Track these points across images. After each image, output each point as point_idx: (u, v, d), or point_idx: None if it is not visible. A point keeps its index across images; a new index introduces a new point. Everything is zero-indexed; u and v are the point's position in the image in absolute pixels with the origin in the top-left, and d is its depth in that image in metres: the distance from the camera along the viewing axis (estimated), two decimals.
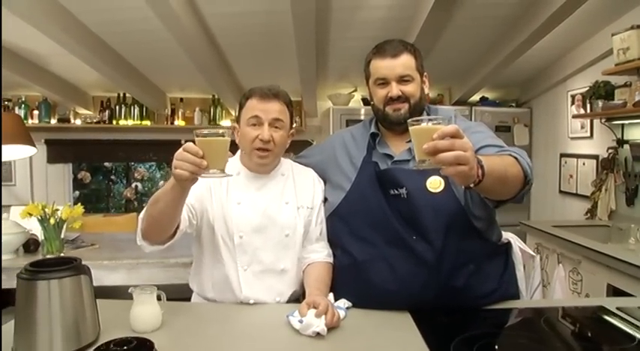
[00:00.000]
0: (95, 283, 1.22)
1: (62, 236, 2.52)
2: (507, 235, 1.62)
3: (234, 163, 1.56)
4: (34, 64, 3.73)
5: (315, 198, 1.59)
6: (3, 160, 3.84)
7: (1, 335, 1.13)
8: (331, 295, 1.43)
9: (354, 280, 1.45)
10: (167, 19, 2.75)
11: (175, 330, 1.28)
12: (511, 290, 1.53)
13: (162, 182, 5.67)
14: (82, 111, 4.53)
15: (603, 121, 3.24)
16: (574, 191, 3.69)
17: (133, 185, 5.69)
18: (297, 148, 1.90)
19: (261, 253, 1.50)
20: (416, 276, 1.36)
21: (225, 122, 4.55)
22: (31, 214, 2.41)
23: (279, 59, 3.66)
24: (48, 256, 2.36)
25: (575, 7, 2.71)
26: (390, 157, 1.52)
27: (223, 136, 1.17)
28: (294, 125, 1.61)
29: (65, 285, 1.12)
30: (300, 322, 1.24)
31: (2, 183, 4.31)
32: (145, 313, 1.26)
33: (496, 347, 1.25)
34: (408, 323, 1.31)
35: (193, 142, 1.16)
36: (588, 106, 3.23)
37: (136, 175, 5.78)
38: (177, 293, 1.58)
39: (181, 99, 4.57)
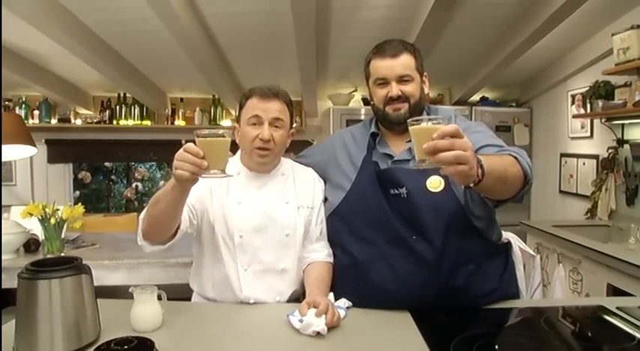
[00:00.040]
0: (96, 283, 1.23)
1: (63, 236, 2.52)
2: (507, 235, 1.62)
3: (234, 162, 1.57)
4: (34, 64, 3.73)
5: (315, 198, 1.60)
6: (3, 160, 3.85)
7: (1, 335, 1.13)
8: (331, 295, 1.44)
9: (355, 279, 1.45)
10: (167, 19, 2.75)
11: (176, 329, 1.28)
12: (511, 290, 1.53)
13: (162, 182, 5.67)
14: (82, 111, 4.53)
15: (603, 120, 3.24)
16: (574, 191, 3.70)
17: (134, 185, 5.69)
18: (297, 148, 1.91)
19: (261, 252, 1.50)
20: (416, 275, 1.37)
21: (226, 122, 4.55)
22: (31, 214, 2.41)
23: (279, 59, 3.66)
24: (48, 256, 2.36)
25: (575, 7, 2.71)
26: (390, 156, 1.52)
27: (224, 136, 1.17)
28: (294, 125, 1.62)
29: (66, 284, 1.12)
30: (301, 321, 1.25)
31: (3, 183, 4.32)
32: (146, 313, 1.26)
33: (496, 347, 1.25)
34: (408, 323, 1.32)
35: (194, 142, 1.17)
36: (588, 105, 3.23)
37: (136, 175, 5.79)
38: (177, 293, 1.59)
39: (182, 99, 4.58)
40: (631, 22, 2.69)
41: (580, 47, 3.51)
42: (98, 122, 4.44)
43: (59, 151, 4.56)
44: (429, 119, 1.03)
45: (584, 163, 3.57)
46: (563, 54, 3.68)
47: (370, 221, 1.44)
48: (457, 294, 1.39)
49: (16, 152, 3.16)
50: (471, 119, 4.03)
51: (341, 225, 1.53)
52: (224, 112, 4.59)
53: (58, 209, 2.47)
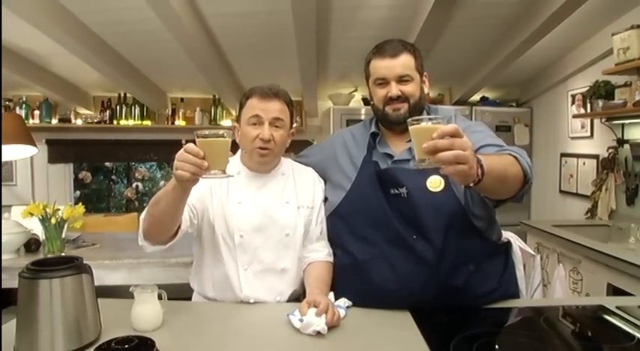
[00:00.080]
0: (96, 283, 1.23)
1: (63, 236, 2.52)
2: (507, 235, 1.63)
3: (234, 162, 1.57)
4: (34, 64, 3.74)
5: (315, 197, 1.60)
6: (4, 160, 3.85)
7: (0, 334, 1.14)
8: (331, 294, 1.44)
9: (355, 279, 1.45)
10: (168, 20, 2.75)
11: (176, 329, 1.28)
12: (511, 289, 1.53)
13: (162, 182, 5.67)
14: (82, 111, 4.53)
15: (603, 120, 3.24)
16: (574, 191, 3.70)
17: (134, 185, 5.69)
18: (297, 148, 1.91)
19: (261, 252, 1.50)
20: (416, 275, 1.37)
21: (226, 122, 4.55)
22: (32, 214, 2.42)
23: (279, 59, 3.66)
24: (49, 256, 2.37)
25: (576, 6, 2.71)
26: (390, 156, 1.52)
27: (224, 136, 1.17)
28: (294, 125, 1.62)
29: (67, 284, 1.12)
30: (301, 321, 1.25)
31: (4, 183, 4.32)
32: (146, 312, 1.26)
33: (496, 346, 1.25)
34: (408, 322, 1.32)
35: (194, 142, 1.17)
36: (588, 105, 3.23)
37: (136, 175, 5.79)
38: (177, 293, 1.59)
39: (182, 99, 4.58)
40: (631, 22, 2.69)
41: (580, 47, 3.51)
42: (98, 122, 4.45)
43: (60, 151, 4.56)
44: (429, 119, 1.03)
45: (584, 163, 3.57)
46: (563, 54, 3.68)
47: (370, 221, 1.45)
48: (457, 293, 1.39)
49: (16, 152, 3.17)
50: (471, 119, 4.03)
51: (341, 225, 1.53)
52: (224, 112, 4.59)
53: (58, 209, 2.48)
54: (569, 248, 2.68)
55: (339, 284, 1.50)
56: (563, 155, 3.88)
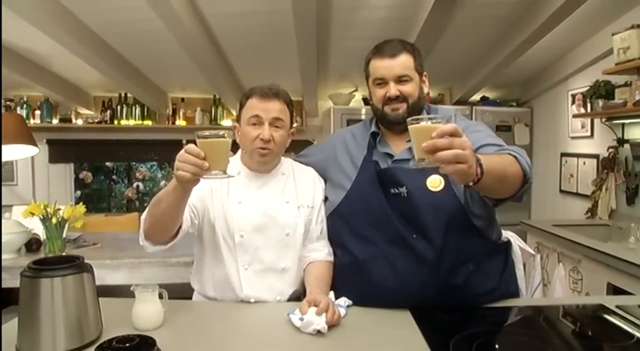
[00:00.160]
0: (97, 283, 1.23)
1: (64, 236, 2.52)
2: (507, 234, 1.63)
3: (234, 162, 1.57)
4: (35, 64, 3.74)
5: (315, 197, 1.60)
6: (5, 159, 3.86)
7: (0, 334, 1.14)
8: (332, 294, 1.44)
9: (355, 278, 1.46)
10: (168, 20, 2.76)
11: (177, 328, 1.29)
12: (511, 289, 1.54)
13: (163, 182, 5.68)
14: (83, 111, 4.54)
15: (604, 120, 3.24)
16: (574, 190, 3.70)
17: (135, 185, 5.70)
18: (297, 148, 1.91)
19: (261, 252, 1.51)
20: (416, 274, 1.37)
21: (227, 122, 4.56)
22: (33, 214, 2.42)
23: (280, 59, 3.67)
24: (50, 255, 2.37)
25: (576, 6, 2.71)
26: (390, 156, 1.53)
27: (224, 137, 1.18)
28: (294, 124, 1.62)
29: (68, 283, 1.13)
30: (301, 319, 1.25)
31: (5, 183, 4.33)
32: (147, 311, 1.27)
33: (496, 345, 1.25)
34: (408, 321, 1.32)
35: (194, 142, 1.17)
36: (589, 105, 3.23)
37: (137, 174, 5.79)
38: (178, 292, 1.59)
39: (182, 99, 4.58)
40: (631, 22, 2.69)
41: (580, 47, 3.51)
42: (99, 122, 4.45)
43: (60, 151, 4.57)
44: (429, 118, 1.04)
45: (584, 163, 3.57)
46: (563, 54, 3.69)
47: (370, 220, 1.45)
48: (457, 293, 1.39)
49: (17, 152, 3.17)
50: (472, 119, 4.03)
51: (341, 224, 1.53)
52: (225, 112, 4.60)
53: (59, 209, 2.48)
54: (570, 248, 2.68)
55: (340, 283, 1.50)
56: (563, 155, 3.88)
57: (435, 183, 1.40)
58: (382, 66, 1.48)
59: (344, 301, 1.42)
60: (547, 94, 4.16)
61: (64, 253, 2.46)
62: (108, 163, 5.79)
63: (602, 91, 3.08)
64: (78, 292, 1.15)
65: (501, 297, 1.48)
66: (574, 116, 3.63)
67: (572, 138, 3.76)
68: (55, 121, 4.41)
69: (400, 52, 1.47)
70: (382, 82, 1.49)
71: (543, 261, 2.95)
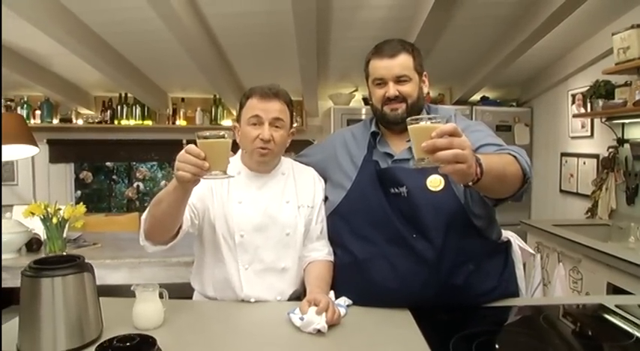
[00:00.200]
0: (97, 282, 1.23)
1: (64, 235, 2.53)
2: (507, 234, 1.63)
3: (234, 162, 1.57)
4: (36, 64, 3.75)
5: (315, 197, 1.60)
6: (6, 159, 3.86)
7: (0, 333, 1.14)
8: (332, 293, 1.44)
9: (355, 278, 1.46)
10: (168, 20, 2.76)
11: (177, 327, 1.29)
12: (511, 288, 1.54)
13: (163, 182, 5.68)
14: (83, 111, 4.54)
15: (604, 120, 3.24)
16: (574, 190, 3.70)
17: (135, 185, 5.70)
18: (298, 148, 1.91)
19: (262, 251, 1.51)
20: (416, 274, 1.37)
21: (227, 122, 4.56)
22: (33, 214, 2.42)
23: (280, 59, 3.67)
24: (51, 255, 2.38)
25: (576, 6, 2.72)
26: (390, 155, 1.53)
27: (224, 137, 1.18)
28: (294, 124, 1.62)
29: (69, 282, 1.13)
30: (301, 319, 1.25)
31: (5, 183, 4.34)
32: (148, 311, 1.27)
33: (495, 345, 1.26)
34: (408, 321, 1.32)
35: (194, 142, 1.18)
36: (589, 105, 3.24)
37: (137, 174, 5.79)
38: (178, 292, 1.60)
39: (183, 99, 4.59)
40: (631, 22, 2.69)
41: (580, 47, 3.51)
42: (99, 122, 4.45)
43: (61, 151, 4.57)
44: (428, 118, 1.04)
45: (584, 163, 3.58)
46: (563, 53, 3.69)
47: (371, 220, 1.45)
48: (457, 292, 1.40)
49: (17, 152, 3.18)
50: (472, 119, 4.03)
51: (341, 224, 1.54)
52: (225, 112, 4.60)
53: (59, 209, 2.48)
54: (570, 247, 2.69)
55: (340, 283, 1.50)
56: (563, 155, 3.88)
57: (435, 183, 1.40)
58: (381, 66, 1.48)
59: (344, 300, 1.42)
60: (547, 94, 4.16)
61: (64, 253, 2.46)
62: (108, 163, 5.78)
63: (602, 90, 3.08)
64: (78, 291, 1.15)
65: (501, 297, 1.48)
66: (574, 116, 3.63)
67: (572, 138, 3.76)
68: (55, 121, 4.41)
69: (399, 52, 1.47)
70: (381, 82, 1.50)
71: (543, 261, 2.95)
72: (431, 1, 2.69)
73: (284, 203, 1.55)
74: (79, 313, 1.14)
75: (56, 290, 1.11)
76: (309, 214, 1.58)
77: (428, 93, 1.61)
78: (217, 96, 4.52)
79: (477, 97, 4.55)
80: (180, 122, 4.54)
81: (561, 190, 3.90)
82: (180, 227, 1.39)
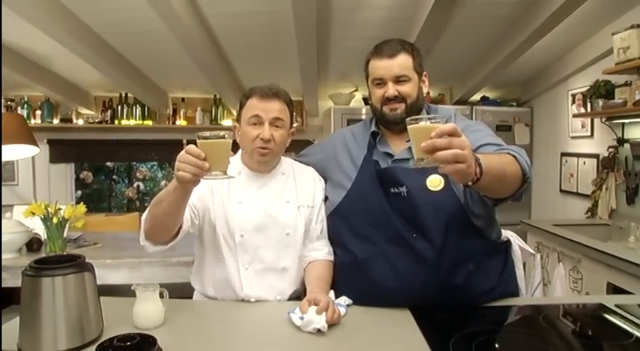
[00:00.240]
0: (98, 282, 1.24)
1: (65, 235, 2.53)
2: (507, 234, 1.63)
3: (235, 162, 1.57)
4: (36, 64, 3.75)
5: (315, 197, 1.61)
6: (6, 159, 3.87)
7: (0, 333, 1.14)
8: (332, 293, 1.45)
9: (355, 277, 1.46)
10: (169, 20, 2.76)
11: (178, 327, 1.29)
12: (510, 288, 1.54)
13: (164, 182, 5.68)
14: (84, 111, 4.54)
15: (604, 120, 3.24)
16: (575, 190, 3.70)
17: (135, 185, 5.70)
18: (298, 148, 1.91)
19: (262, 251, 1.51)
20: (416, 274, 1.37)
21: (227, 122, 4.56)
22: (34, 214, 2.43)
23: (280, 59, 3.67)
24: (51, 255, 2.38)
25: (575, 6, 2.72)
26: (390, 155, 1.53)
27: (224, 138, 1.18)
28: (294, 124, 1.62)
29: (69, 282, 1.14)
30: (301, 318, 1.26)
31: (5, 182, 4.34)
32: (148, 310, 1.27)
33: (495, 344, 1.26)
34: (408, 320, 1.32)
35: (195, 142, 1.18)
36: (589, 105, 3.24)
37: (137, 174, 5.80)
38: (178, 292, 1.60)
39: (183, 99, 4.59)
40: (631, 22, 2.69)
41: (580, 47, 3.51)
42: (100, 122, 4.46)
43: (61, 150, 4.57)
44: (428, 118, 1.04)
45: (584, 163, 3.58)
46: (563, 53, 3.69)
47: (371, 220, 1.45)
48: (457, 292, 1.40)
49: (18, 152, 3.18)
50: (472, 119, 4.03)
51: (342, 224, 1.54)
52: (225, 111, 4.60)
53: (60, 209, 2.49)
54: (570, 247, 2.69)
55: (340, 283, 1.51)
56: (563, 155, 3.88)
57: (434, 182, 1.40)
58: (381, 66, 1.49)
59: (344, 300, 1.42)
60: (547, 93, 4.16)
61: (64, 253, 2.46)
62: (108, 163, 5.79)
63: (602, 90, 3.08)
64: (79, 291, 1.15)
65: (501, 296, 1.48)
66: (574, 116, 3.63)
67: (573, 138, 3.76)
68: (55, 121, 4.42)
69: (399, 52, 1.48)
70: (381, 82, 1.50)
71: (543, 260, 2.95)
72: (431, 1, 2.70)
73: (284, 203, 1.56)
74: (80, 312, 1.15)
75: (57, 290, 1.11)
76: (309, 214, 1.58)
77: (428, 93, 1.61)
78: (217, 96, 4.53)
79: (477, 97, 4.55)
80: (181, 122, 4.54)
81: (561, 190, 3.90)
82: (180, 227, 1.39)
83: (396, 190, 1.44)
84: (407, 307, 1.39)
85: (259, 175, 1.58)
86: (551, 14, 2.78)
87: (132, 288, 1.29)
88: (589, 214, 3.38)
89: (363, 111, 4.15)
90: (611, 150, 3.20)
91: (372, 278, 1.42)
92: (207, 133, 1.17)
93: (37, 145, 3.18)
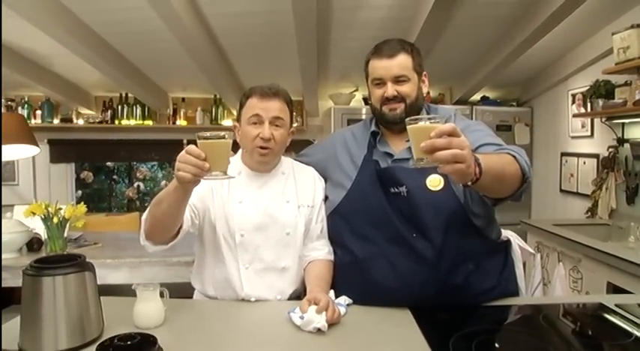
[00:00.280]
0: (98, 282, 1.24)
1: (65, 235, 2.54)
2: (507, 233, 1.63)
3: (235, 162, 1.58)
4: (36, 64, 3.75)
5: (315, 196, 1.61)
6: (6, 159, 3.87)
7: (0, 333, 1.15)
8: (332, 292, 1.45)
9: (355, 277, 1.46)
10: (169, 20, 2.76)
11: (178, 326, 1.29)
12: (510, 287, 1.54)
13: (164, 182, 5.69)
14: (84, 111, 4.55)
15: (604, 120, 3.25)
16: (575, 190, 3.70)
17: (135, 185, 5.71)
18: (298, 148, 1.92)
19: (262, 251, 1.51)
20: (416, 273, 1.38)
21: (227, 122, 4.56)
22: (34, 213, 2.43)
23: (280, 59, 3.67)
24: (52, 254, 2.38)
25: (575, 6, 2.72)
26: (390, 155, 1.53)
27: (225, 138, 1.18)
28: (294, 124, 1.63)
29: (70, 281, 1.14)
30: (301, 318, 1.26)
31: (6, 182, 4.34)
32: (149, 310, 1.28)
33: (495, 343, 1.26)
34: (407, 320, 1.33)
35: (195, 142, 1.18)
36: (589, 105, 3.24)
37: (138, 174, 5.80)
38: (178, 292, 1.60)
39: (183, 99, 4.59)
40: (631, 22, 2.69)
41: (580, 46, 3.51)
42: (100, 122, 4.46)
43: (61, 150, 4.58)
44: (428, 118, 1.04)
45: (584, 162, 3.58)
46: (563, 53, 3.69)
47: (371, 220, 1.46)
48: (457, 292, 1.40)
49: (18, 152, 3.18)
50: (472, 119, 4.03)
51: (342, 223, 1.54)
52: (225, 111, 4.60)
53: (60, 208, 2.49)
54: (570, 247, 2.69)
55: (340, 282, 1.51)
56: (563, 154, 3.88)
57: (434, 182, 1.40)
58: (380, 66, 1.49)
59: (344, 299, 1.42)
60: (547, 93, 4.16)
61: (65, 253, 2.46)
62: (109, 163, 5.80)
63: (602, 90, 3.09)
64: (80, 290, 1.15)
65: (501, 296, 1.49)
66: (574, 116, 3.63)
67: (573, 137, 3.76)
68: (56, 121, 4.42)
69: (398, 52, 1.48)
70: (380, 82, 1.50)
71: (543, 260, 2.95)
72: (431, 1, 2.70)
73: (284, 203, 1.56)
74: (80, 311, 1.15)
75: (57, 289, 1.12)
76: (309, 214, 1.58)
77: (428, 93, 1.61)
78: (218, 96, 4.53)
79: (477, 96, 4.55)
80: (181, 122, 4.54)
81: (561, 190, 3.90)
82: (180, 227, 1.39)
83: (396, 189, 1.44)
84: (407, 306, 1.39)
85: (259, 175, 1.58)
86: (551, 14, 2.78)
87: (132, 287, 1.30)
88: (589, 214, 3.38)
89: (363, 111, 4.15)
90: (611, 150, 3.20)
91: (372, 278, 1.42)
92: (208, 133, 1.18)
93: (37, 145, 3.19)
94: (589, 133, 3.52)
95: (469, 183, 1.07)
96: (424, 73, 1.55)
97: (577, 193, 3.67)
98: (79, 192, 5.28)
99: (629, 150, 3.07)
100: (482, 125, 1.54)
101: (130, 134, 4.61)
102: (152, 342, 1.08)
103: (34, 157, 4.25)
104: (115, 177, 6.09)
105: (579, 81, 3.63)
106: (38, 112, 4.35)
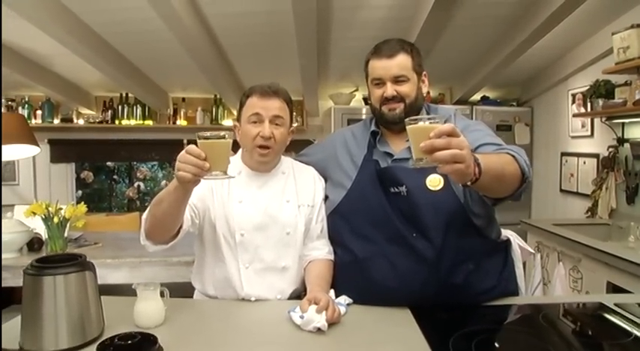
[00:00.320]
0: (98, 282, 1.24)
1: (65, 235, 2.54)
2: (506, 233, 1.63)
3: (235, 161, 1.58)
4: (37, 64, 3.75)
5: (315, 196, 1.61)
6: (7, 159, 3.87)
7: (0, 333, 1.15)
8: (332, 292, 1.45)
9: (355, 277, 1.46)
10: (169, 20, 2.77)
11: (178, 326, 1.29)
12: (510, 287, 1.54)
13: (164, 182, 5.69)
14: (84, 111, 4.55)
15: (604, 119, 3.25)
16: (575, 190, 3.70)
17: (136, 185, 5.71)
18: (298, 148, 1.92)
19: (262, 251, 1.51)
20: (416, 273, 1.38)
21: (227, 122, 4.57)
22: (34, 213, 2.43)
23: (280, 59, 3.67)
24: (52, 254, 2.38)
25: (575, 6, 2.72)
26: (390, 155, 1.54)
27: (225, 138, 1.19)
28: (294, 123, 1.63)
29: (70, 281, 1.14)
30: (302, 317, 1.26)
31: (6, 182, 4.35)
32: (149, 309, 1.28)
33: (495, 343, 1.26)
34: (407, 319, 1.33)
35: (195, 142, 1.18)
36: (589, 104, 3.24)
37: (138, 174, 5.80)
38: (179, 292, 1.60)
39: (183, 99, 4.59)
40: (631, 22, 2.70)
41: (580, 46, 3.51)
42: (100, 122, 4.46)
43: (62, 150, 4.58)
44: (427, 118, 1.05)
45: (584, 162, 3.58)
46: (563, 53, 3.69)
47: (371, 219, 1.46)
48: (457, 291, 1.40)
49: (19, 152, 3.18)
50: (472, 118, 4.03)
51: (342, 223, 1.54)
52: (226, 111, 4.61)
53: (61, 208, 2.49)
54: (570, 247, 2.69)
55: (340, 282, 1.51)
56: (563, 154, 3.88)
57: (434, 182, 1.40)
58: (380, 66, 1.49)
59: (344, 299, 1.43)
60: (547, 93, 4.16)
61: (65, 252, 2.47)
62: (109, 163, 5.80)
63: (602, 90, 3.09)
64: (80, 289, 1.16)
65: (501, 295, 1.49)
66: (574, 116, 3.64)
67: (573, 137, 3.76)
68: (56, 121, 4.42)
69: (398, 52, 1.48)
70: (380, 82, 1.50)
71: (543, 260, 2.95)
72: (431, 1, 2.70)
73: (284, 202, 1.56)
74: (81, 311, 1.15)
75: (58, 288, 1.12)
76: (309, 214, 1.58)
77: (428, 93, 1.61)
78: (218, 96, 4.53)
79: (477, 96, 4.55)
80: (181, 122, 4.55)
81: (561, 190, 3.90)
82: (180, 227, 1.39)
83: (396, 189, 1.44)
84: (407, 306, 1.39)
85: (259, 175, 1.58)
86: (551, 14, 2.78)
87: (133, 287, 1.30)
88: (589, 213, 3.39)
89: (363, 111, 4.16)
90: (611, 150, 3.20)
91: (372, 277, 1.42)
92: (208, 133, 1.18)
93: (37, 145, 3.19)
94: (589, 133, 3.52)
95: (469, 183, 1.07)
96: (424, 73, 1.56)
97: (577, 193, 3.67)
98: (80, 192, 5.28)
99: (629, 150, 3.07)
100: (482, 125, 1.54)
101: (130, 134, 4.61)
102: (152, 341, 1.08)
103: (34, 157, 4.26)
104: (115, 177, 6.09)
105: (579, 81, 3.63)
106: (38, 112, 4.35)
